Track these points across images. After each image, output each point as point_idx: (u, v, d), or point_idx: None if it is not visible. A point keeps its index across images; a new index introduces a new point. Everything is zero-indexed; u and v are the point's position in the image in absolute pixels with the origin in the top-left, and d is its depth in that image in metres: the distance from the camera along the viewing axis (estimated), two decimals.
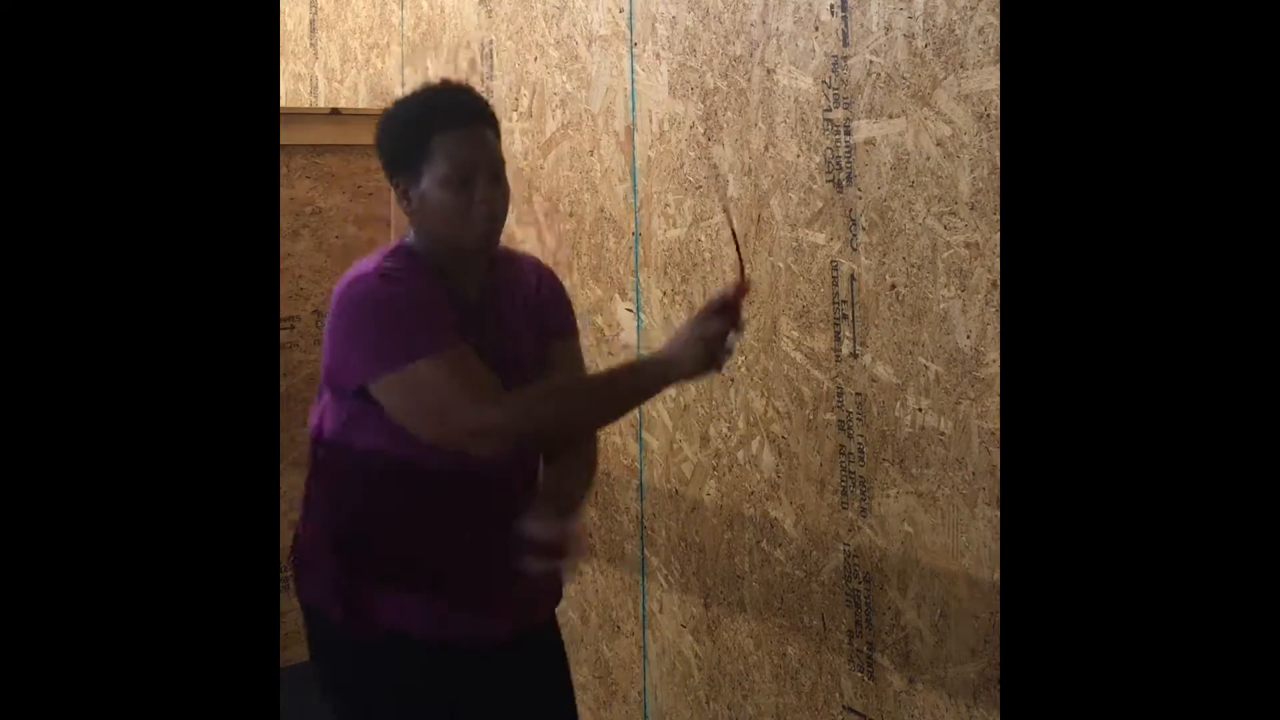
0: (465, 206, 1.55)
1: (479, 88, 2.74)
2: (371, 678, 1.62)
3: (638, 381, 1.60)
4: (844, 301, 1.92)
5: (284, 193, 2.78)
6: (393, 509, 1.61)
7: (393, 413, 1.52)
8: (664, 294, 2.28)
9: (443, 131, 1.56)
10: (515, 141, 2.65)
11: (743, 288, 1.56)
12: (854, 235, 1.89)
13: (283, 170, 2.80)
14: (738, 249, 1.66)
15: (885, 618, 1.89)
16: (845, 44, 1.88)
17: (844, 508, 1.95)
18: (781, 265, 2.02)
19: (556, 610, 1.81)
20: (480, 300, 1.64)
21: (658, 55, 2.25)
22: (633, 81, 2.31)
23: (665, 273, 2.27)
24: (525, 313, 1.69)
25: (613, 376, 1.68)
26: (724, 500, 2.17)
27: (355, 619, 1.61)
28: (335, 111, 2.93)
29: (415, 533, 1.61)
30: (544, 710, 1.76)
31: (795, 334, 2.01)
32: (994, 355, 1.70)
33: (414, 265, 1.59)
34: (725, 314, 1.53)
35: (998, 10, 1.65)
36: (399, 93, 3.08)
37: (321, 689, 1.68)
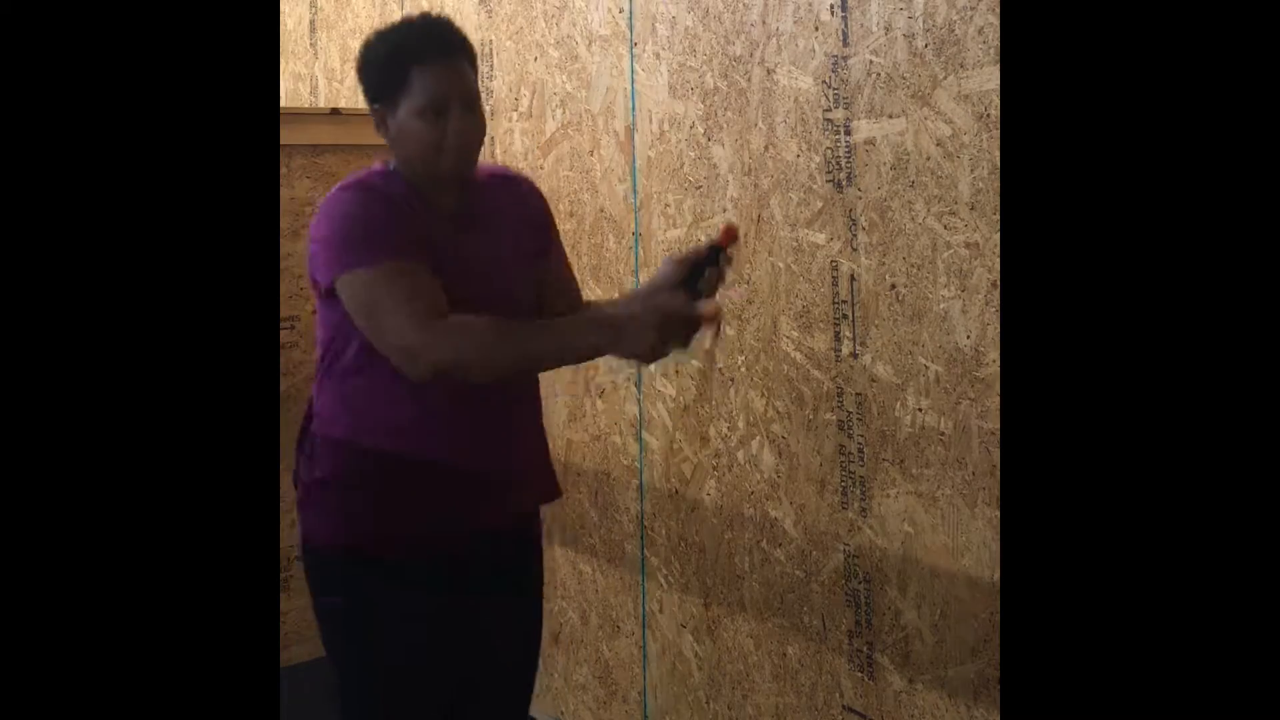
0: (439, 136, 1.61)
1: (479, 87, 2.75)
2: (350, 596, 1.66)
3: (577, 344, 1.55)
4: (844, 301, 1.92)
5: (284, 193, 2.78)
6: (383, 406, 1.64)
7: (349, 314, 1.58)
8: None
9: (420, 63, 1.61)
10: (515, 141, 2.65)
11: (729, 233, 1.51)
12: (854, 235, 1.89)
13: (283, 170, 2.80)
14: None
15: (885, 618, 1.89)
16: (845, 44, 1.88)
17: (844, 508, 1.95)
18: (781, 265, 2.02)
19: (548, 618, 1.84)
20: (460, 214, 1.68)
21: (658, 55, 2.25)
22: (633, 81, 2.31)
23: None
24: (510, 229, 1.73)
25: (554, 332, 1.57)
26: (724, 500, 2.17)
27: (344, 540, 1.65)
28: (335, 111, 2.93)
29: (407, 429, 1.64)
30: (514, 609, 1.81)
31: (795, 334, 2.01)
32: (994, 355, 1.70)
33: (395, 181, 1.65)
34: (697, 269, 1.49)
35: (998, 10, 1.65)
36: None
37: (319, 622, 1.71)
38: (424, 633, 1.67)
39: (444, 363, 1.51)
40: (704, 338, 1.51)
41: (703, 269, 1.52)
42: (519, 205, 1.77)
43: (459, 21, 2.79)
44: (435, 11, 1.79)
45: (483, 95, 1.70)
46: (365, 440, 1.65)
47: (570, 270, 1.85)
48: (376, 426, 1.64)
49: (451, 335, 1.51)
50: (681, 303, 1.47)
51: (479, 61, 1.74)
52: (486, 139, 2.71)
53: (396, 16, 3.08)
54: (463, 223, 1.68)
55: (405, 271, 1.54)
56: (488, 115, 1.69)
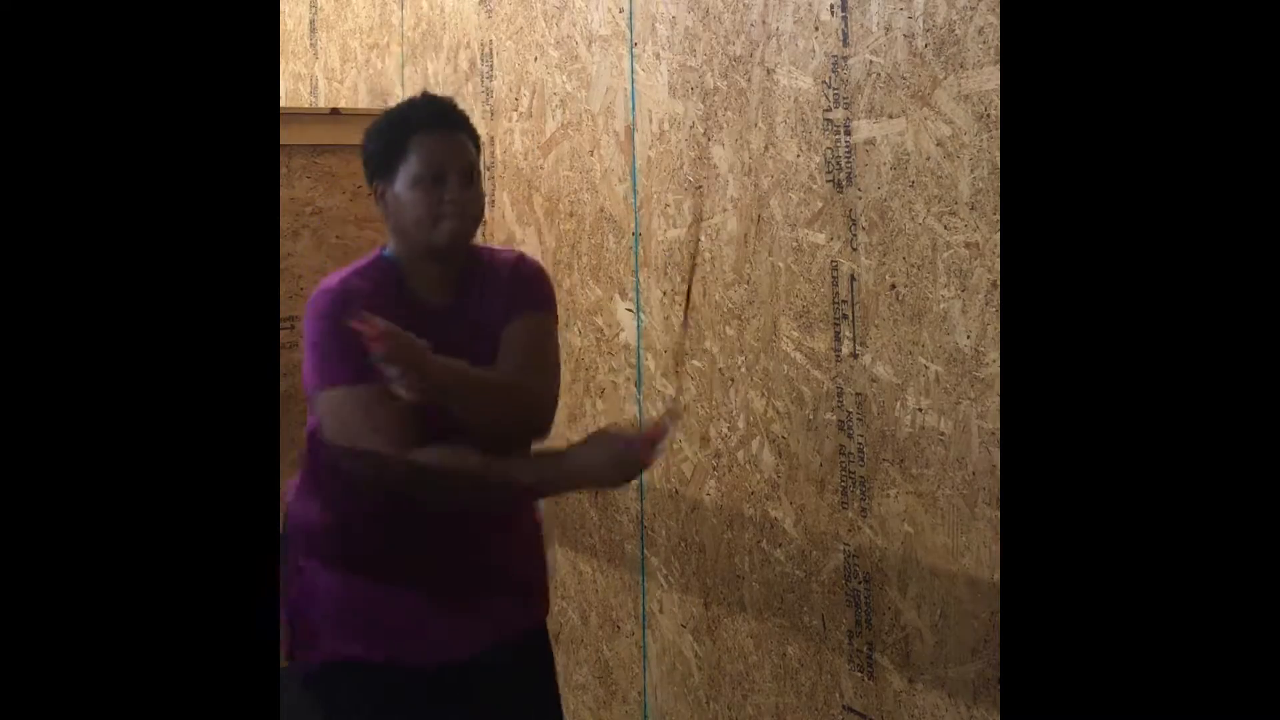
0: (435, 205, 1.59)
1: (479, 87, 2.75)
2: (332, 708, 1.64)
3: (538, 484, 1.65)
4: (844, 301, 1.92)
5: (284, 193, 2.78)
6: (366, 510, 1.63)
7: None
8: (664, 294, 2.28)
9: (418, 134, 1.61)
10: (515, 141, 2.65)
11: (669, 420, 1.59)
12: (854, 235, 1.89)
13: (283, 170, 2.80)
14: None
15: (885, 618, 1.89)
16: (845, 44, 1.88)
17: (844, 508, 1.95)
18: (781, 265, 2.02)
19: (548, 618, 1.82)
20: (450, 305, 1.65)
21: (658, 55, 2.25)
22: (633, 81, 2.31)
23: (665, 273, 2.27)
24: (498, 310, 1.68)
25: (516, 470, 1.62)
26: (724, 500, 2.17)
27: (308, 650, 1.64)
28: (335, 111, 2.93)
29: (387, 535, 1.62)
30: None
31: (795, 334, 2.01)
32: (994, 355, 1.70)
33: (386, 273, 1.63)
34: (648, 440, 1.55)
35: (998, 10, 1.65)
36: (398, 93, 3.08)
37: None
38: None
39: (418, 494, 1.56)
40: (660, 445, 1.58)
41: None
42: (513, 295, 1.69)
43: (459, 21, 2.80)
44: (440, 93, 1.79)
45: (483, 172, 1.69)
46: (339, 561, 1.64)
47: (533, 347, 1.69)
48: (346, 548, 1.63)
49: (421, 473, 1.53)
50: (627, 432, 1.56)
51: (480, 138, 1.73)
52: (486, 139, 2.72)
53: (396, 17, 3.08)
54: (450, 318, 1.64)
55: (373, 395, 1.51)
56: (484, 186, 1.68)
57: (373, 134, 1.67)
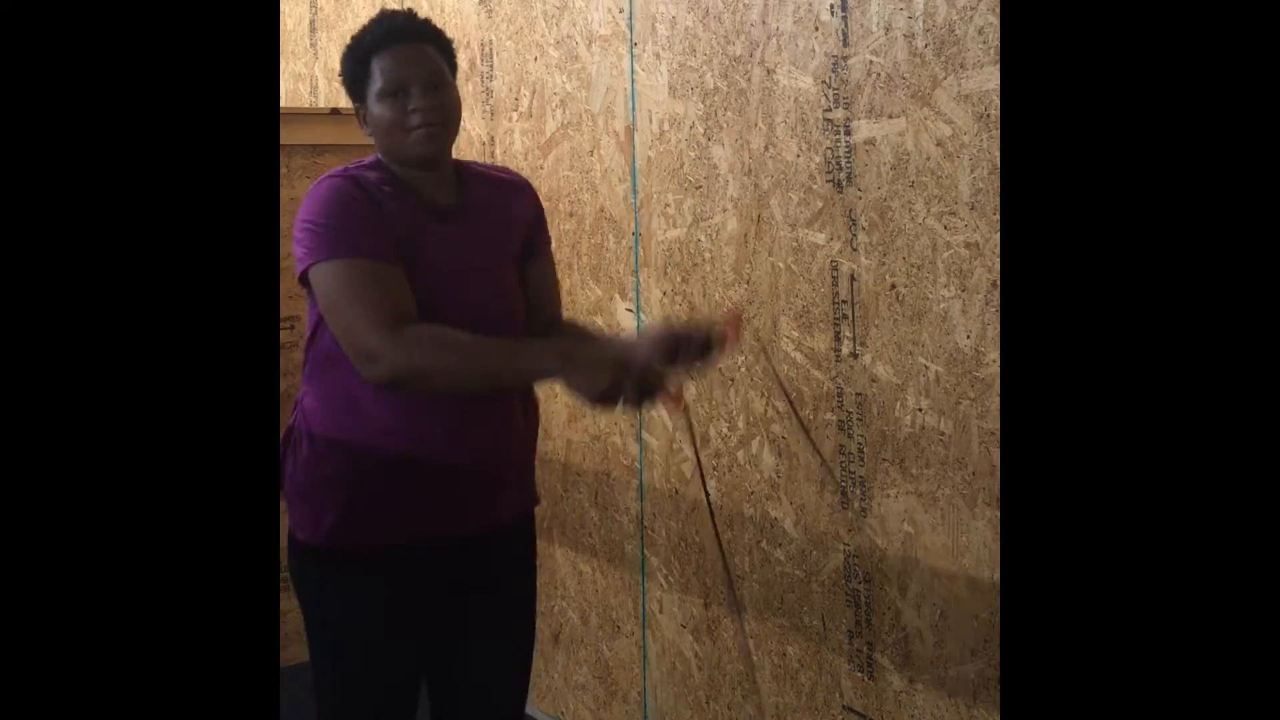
0: (400, 117, 1.64)
1: (479, 87, 2.75)
2: (330, 588, 1.68)
3: (532, 367, 1.57)
4: (844, 301, 1.92)
5: (284, 193, 2.78)
6: (360, 404, 1.63)
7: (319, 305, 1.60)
8: (664, 294, 2.28)
9: (378, 51, 1.66)
10: (515, 141, 2.65)
11: (734, 321, 1.46)
12: (854, 235, 1.89)
13: (283, 170, 2.80)
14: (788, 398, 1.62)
15: (885, 618, 1.89)
16: (845, 44, 1.88)
17: (844, 508, 1.95)
18: (781, 265, 2.02)
19: (549, 617, 1.83)
20: (446, 207, 1.69)
21: (658, 55, 2.25)
22: (633, 81, 2.31)
23: (665, 273, 2.27)
24: (495, 228, 1.73)
25: (511, 352, 1.57)
26: (724, 500, 2.17)
27: (323, 533, 1.66)
28: (335, 111, 2.93)
29: (382, 428, 1.63)
30: (505, 604, 1.79)
31: (795, 334, 2.01)
32: (994, 355, 1.70)
33: (380, 172, 1.67)
34: (683, 349, 1.44)
35: (998, 10, 1.65)
36: None
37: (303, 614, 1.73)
38: (401, 621, 1.67)
39: (400, 372, 1.52)
40: (671, 419, 1.47)
41: (693, 342, 1.45)
42: (509, 205, 1.77)
43: (459, 21, 2.80)
44: (406, 9, 1.82)
45: (455, 78, 1.70)
46: (345, 439, 1.65)
47: (554, 280, 1.84)
48: (355, 426, 1.64)
49: (409, 346, 1.50)
50: (646, 358, 1.43)
51: (454, 47, 1.75)
52: (486, 138, 2.72)
53: None
54: (446, 216, 1.68)
55: (375, 271, 1.55)
56: (464, 98, 1.71)
57: (344, 60, 1.73)
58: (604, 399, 1.43)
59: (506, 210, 1.76)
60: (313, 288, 1.60)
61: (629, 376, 1.42)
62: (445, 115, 1.66)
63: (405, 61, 1.65)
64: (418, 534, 1.66)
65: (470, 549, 1.71)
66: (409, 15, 1.74)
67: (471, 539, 1.71)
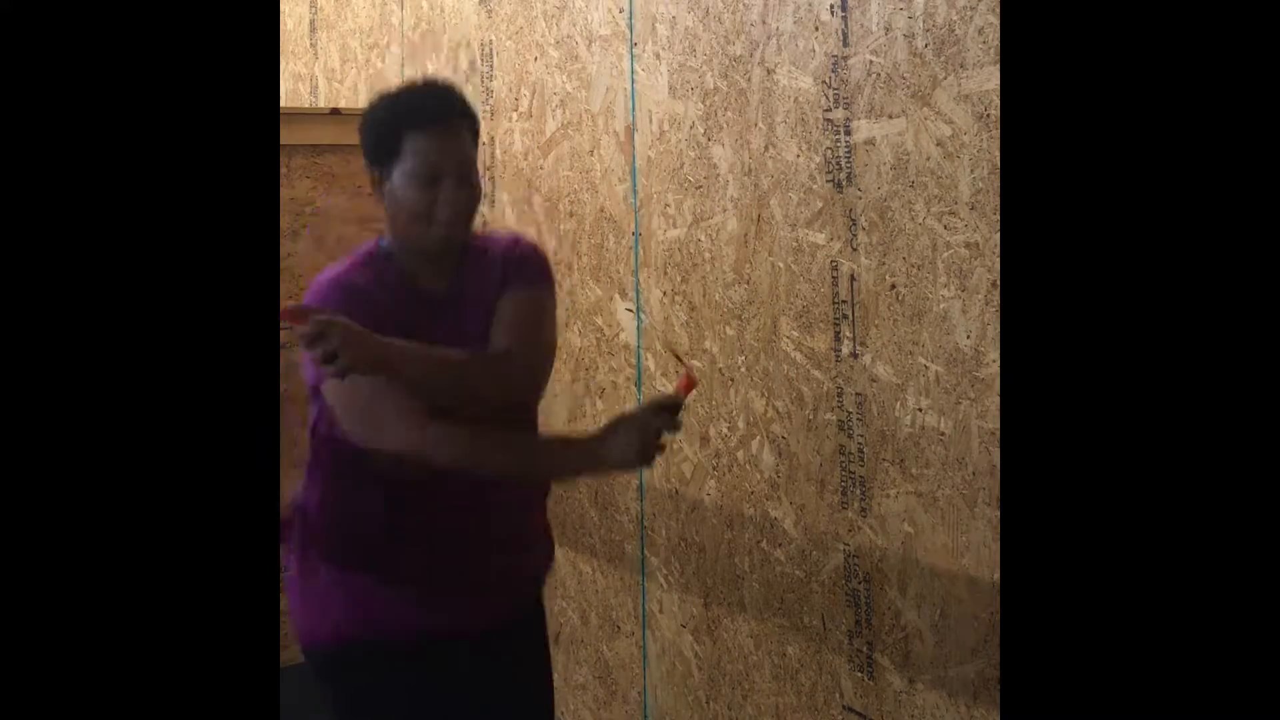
0: (429, 205, 1.59)
1: (479, 87, 2.75)
2: (352, 685, 1.66)
3: (564, 460, 1.69)
4: (844, 301, 1.92)
5: (284, 193, 2.78)
6: (369, 500, 1.63)
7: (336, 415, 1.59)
8: (664, 294, 2.28)
9: (413, 130, 1.59)
10: (515, 141, 2.65)
11: (689, 383, 1.63)
12: (854, 235, 1.89)
13: (283, 170, 2.80)
14: (679, 358, 1.71)
15: (885, 618, 1.89)
16: (845, 44, 1.88)
17: (844, 508, 1.95)
18: (781, 265, 2.02)
19: (542, 598, 1.84)
20: (449, 295, 1.66)
21: (658, 55, 2.25)
22: (633, 81, 2.31)
23: (665, 273, 2.27)
24: (494, 291, 1.69)
25: (543, 446, 1.71)
26: (724, 500, 2.17)
27: (331, 628, 1.66)
28: (335, 111, 2.93)
29: (391, 523, 1.63)
30: (518, 700, 1.78)
31: (795, 334, 2.01)
32: (994, 355, 1.70)
33: (383, 264, 1.64)
34: (667, 412, 1.60)
35: (998, 10, 1.65)
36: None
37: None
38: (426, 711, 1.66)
39: (443, 464, 1.56)
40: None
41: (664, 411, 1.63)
42: (507, 274, 1.70)
43: (459, 21, 2.80)
44: (440, 77, 1.78)
45: (479, 164, 1.67)
46: (351, 540, 1.65)
47: (520, 321, 1.68)
48: (361, 526, 1.64)
49: (448, 441, 1.55)
50: (653, 414, 1.60)
51: (480, 120, 1.71)
52: (486, 139, 2.72)
53: (396, 17, 3.08)
54: (445, 306, 1.65)
55: (383, 383, 1.53)
56: (483, 180, 1.68)
57: (370, 124, 1.65)
58: (642, 461, 1.60)
59: (499, 277, 1.69)
60: (327, 399, 1.61)
61: (648, 432, 1.58)
62: (471, 208, 1.64)
63: (441, 148, 1.60)
64: (437, 625, 1.66)
65: (490, 636, 1.71)
66: (445, 92, 1.68)
67: (491, 626, 1.71)
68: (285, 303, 1.48)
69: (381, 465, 1.60)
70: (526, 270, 1.72)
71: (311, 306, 1.54)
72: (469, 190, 1.62)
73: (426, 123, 1.60)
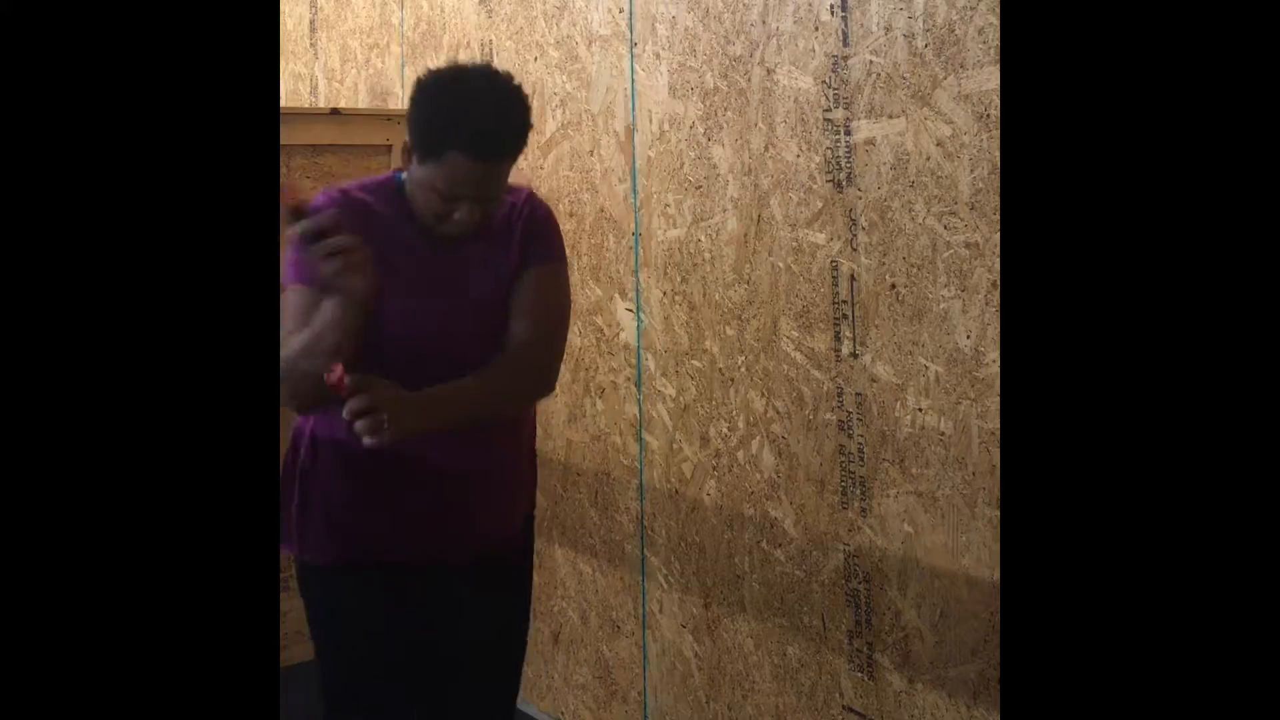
0: (447, 213, 1.59)
1: None
2: (334, 602, 1.71)
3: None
4: (844, 301, 1.92)
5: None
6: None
7: None
8: (664, 294, 2.28)
9: (458, 151, 1.52)
10: None
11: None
12: (854, 235, 1.89)
13: (283, 170, 2.80)
14: None
15: (885, 618, 1.89)
16: (845, 44, 1.88)
17: (844, 508, 1.95)
18: (781, 265, 2.02)
19: (547, 616, 1.86)
20: (455, 243, 1.64)
21: (658, 55, 2.25)
22: (633, 81, 2.31)
23: (665, 273, 2.27)
24: (510, 253, 1.68)
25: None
26: (724, 500, 2.17)
27: (314, 549, 1.69)
28: (335, 111, 2.93)
29: (376, 455, 1.62)
30: (493, 629, 1.82)
31: (795, 334, 2.01)
32: (994, 355, 1.70)
33: (392, 198, 1.64)
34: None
35: (998, 10, 1.65)
36: (398, 93, 3.08)
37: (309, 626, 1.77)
38: (400, 620, 1.71)
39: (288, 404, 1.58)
40: None
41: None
42: (525, 244, 1.69)
43: (459, 21, 2.80)
44: (513, 84, 1.60)
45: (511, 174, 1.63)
46: (349, 459, 1.66)
47: (551, 279, 1.72)
48: (349, 459, 1.65)
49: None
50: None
51: (516, 153, 1.61)
52: None
53: (396, 17, 3.08)
54: (451, 253, 1.65)
55: (313, 303, 1.52)
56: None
57: (421, 111, 1.57)
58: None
59: (510, 233, 1.69)
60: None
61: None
62: (487, 220, 1.63)
63: (476, 182, 1.55)
64: (433, 546, 1.70)
65: (477, 555, 1.76)
66: (505, 114, 1.56)
67: (477, 548, 1.75)
68: (291, 195, 1.45)
69: None
70: (544, 243, 1.71)
71: (320, 207, 1.52)
72: (485, 208, 1.60)
73: (474, 153, 1.52)
